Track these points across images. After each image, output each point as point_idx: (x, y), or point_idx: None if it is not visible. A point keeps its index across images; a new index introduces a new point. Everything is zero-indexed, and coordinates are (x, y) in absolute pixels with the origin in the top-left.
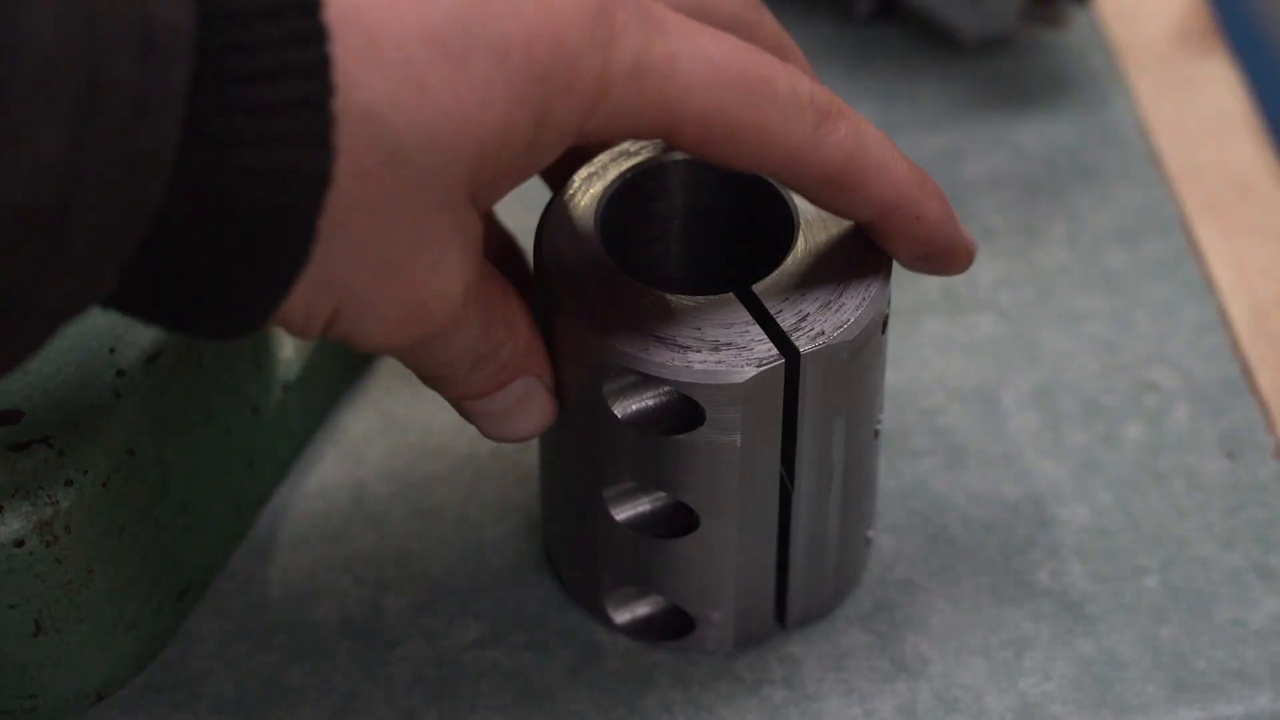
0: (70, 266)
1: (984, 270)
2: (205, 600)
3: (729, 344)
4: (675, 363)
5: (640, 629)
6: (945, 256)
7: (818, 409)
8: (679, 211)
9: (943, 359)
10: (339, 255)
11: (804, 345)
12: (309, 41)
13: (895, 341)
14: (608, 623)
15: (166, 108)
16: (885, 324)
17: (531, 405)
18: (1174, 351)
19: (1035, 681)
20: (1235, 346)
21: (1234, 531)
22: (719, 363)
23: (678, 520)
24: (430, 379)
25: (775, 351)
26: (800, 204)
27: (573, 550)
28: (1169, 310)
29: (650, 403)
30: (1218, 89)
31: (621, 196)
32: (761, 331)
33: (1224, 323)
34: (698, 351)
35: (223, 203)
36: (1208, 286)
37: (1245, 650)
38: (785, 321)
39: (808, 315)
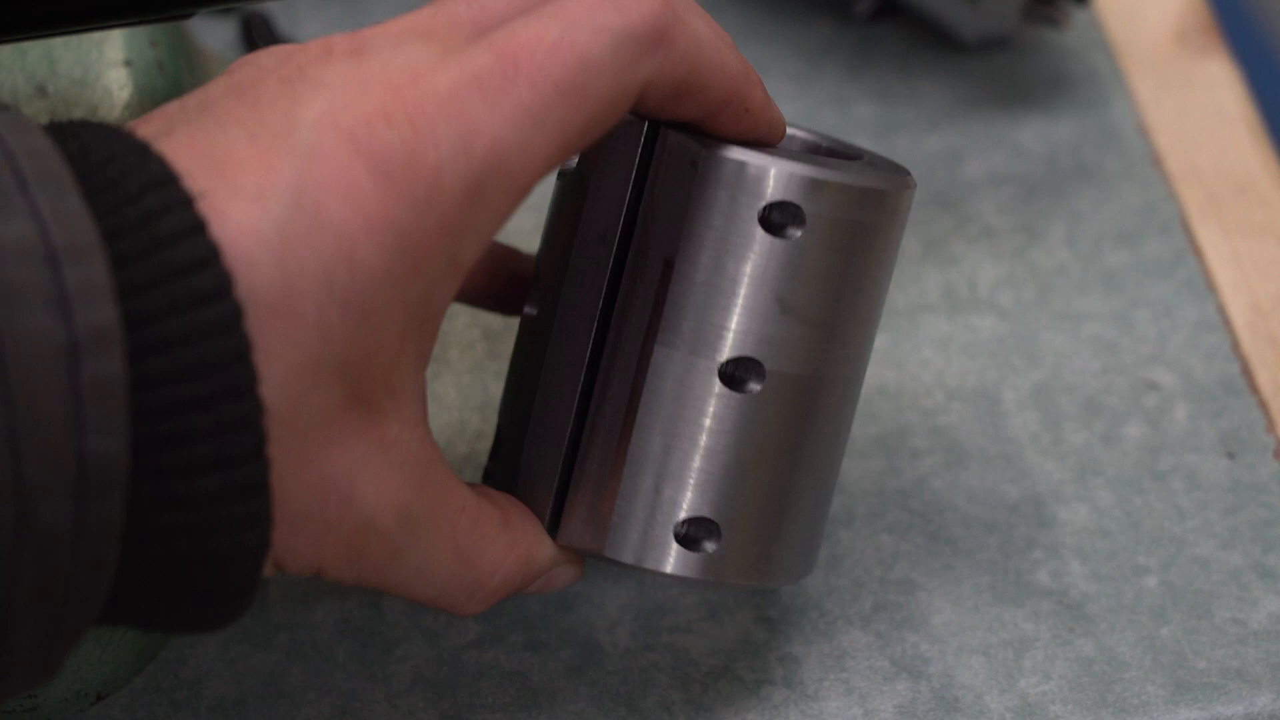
0: (9, 670)
1: (984, 270)
2: None
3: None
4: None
5: None
6: (767, 134)
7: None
8: None
9: (943, 359)
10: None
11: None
12: (242, 425)
13: (895, 341)
14: None
15: (103, 537)
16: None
17: (557, 582)
18: (1174, 351)
19: (1035, 681)
20: (1235, 346)
21: (1234, 531)
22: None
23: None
24: (443, 606)
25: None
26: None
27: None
28: (1169, 310)
29: None
30: (1218, 89)
31: None
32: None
33: (1224, 323)
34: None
35: (169, 577)
36: (1208, 286)
37: (1245, 650)
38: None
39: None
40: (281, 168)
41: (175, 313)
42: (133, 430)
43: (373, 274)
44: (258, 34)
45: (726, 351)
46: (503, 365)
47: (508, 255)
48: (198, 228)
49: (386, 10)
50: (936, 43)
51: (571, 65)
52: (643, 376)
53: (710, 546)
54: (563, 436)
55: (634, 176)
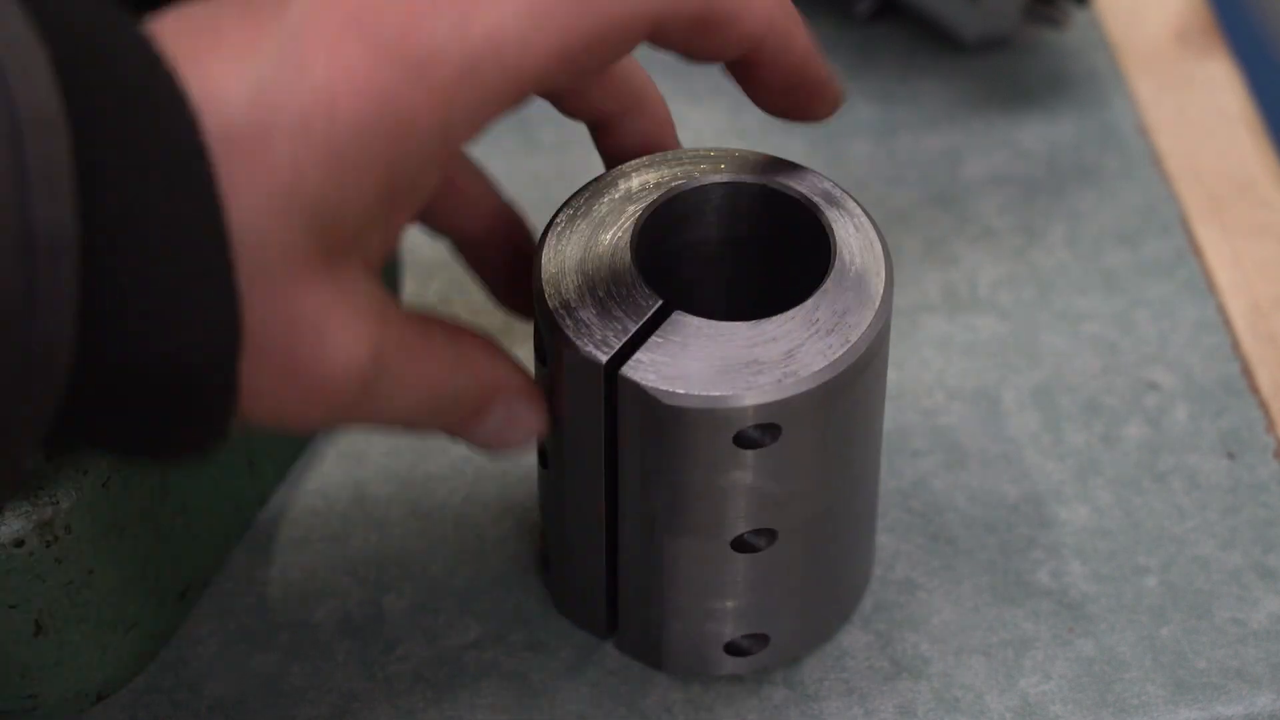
0: None
1: (984, 270)
2: (205, 600)
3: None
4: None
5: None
6: (814, 89)
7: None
8: (715, 236)
9: (943, 359)
10: None
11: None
12: (205, 214)
13: (895, 341)
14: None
15: (57, 308)
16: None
17: (516, 423)
18: (1174, 351)
19: (1035, 681)
20: (1235, 346)
21: (1234, 531)
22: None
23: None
24: (403, 429)
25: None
26: (837, 230)
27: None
28: (1169, 310)
29: None
30: (1218, 89)
31: (656, 220)
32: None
33: (1224, 322)
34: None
35: (133, 380)
36: (1208, 286)
37: (1245, 650)
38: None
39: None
40: (270, 33)
41: (121, 106)
42: (79, 203)
43: (353, 128)
44: None
45: (732, 531)
46: None
47: (513, 227)
48: (145, 41)
49: None
50: (936, 43)
51: None
52: (658, 556)
53: (759, 650)
54: (600, 580)
55: (604, 413)
